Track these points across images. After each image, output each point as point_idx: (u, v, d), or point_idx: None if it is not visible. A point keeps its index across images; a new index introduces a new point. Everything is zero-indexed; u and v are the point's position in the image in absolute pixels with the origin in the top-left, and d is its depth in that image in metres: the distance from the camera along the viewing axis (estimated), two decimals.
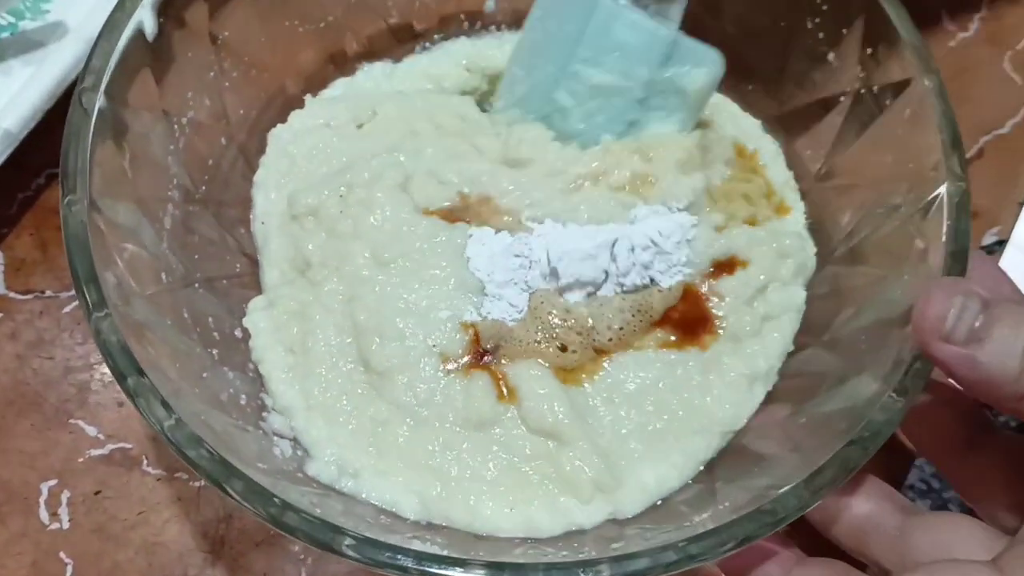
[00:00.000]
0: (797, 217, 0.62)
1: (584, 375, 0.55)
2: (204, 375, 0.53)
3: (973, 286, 0.45)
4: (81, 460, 0.62)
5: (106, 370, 0.63)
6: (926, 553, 0.45)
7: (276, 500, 0.43)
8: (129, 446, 0.62)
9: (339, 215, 0.58)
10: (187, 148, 0.58)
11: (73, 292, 0.65)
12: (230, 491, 0.43)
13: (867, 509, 0.47)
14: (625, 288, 0.56)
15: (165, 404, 0.45)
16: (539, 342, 0.55)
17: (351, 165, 0.61)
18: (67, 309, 0.67)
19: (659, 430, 0.53)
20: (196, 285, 0.57)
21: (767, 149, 0.64)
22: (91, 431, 0.63)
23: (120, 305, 0.48)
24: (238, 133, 0.63)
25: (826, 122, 0.60)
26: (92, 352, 0.65)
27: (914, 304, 0.45)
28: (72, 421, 0.63)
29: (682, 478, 0.53)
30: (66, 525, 0.60)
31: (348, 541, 0.42)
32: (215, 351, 0.55)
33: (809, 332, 0.57)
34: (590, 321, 0.55)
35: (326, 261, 0.58)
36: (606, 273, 0.56)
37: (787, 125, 0.64)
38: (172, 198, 0.57)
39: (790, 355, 0.57)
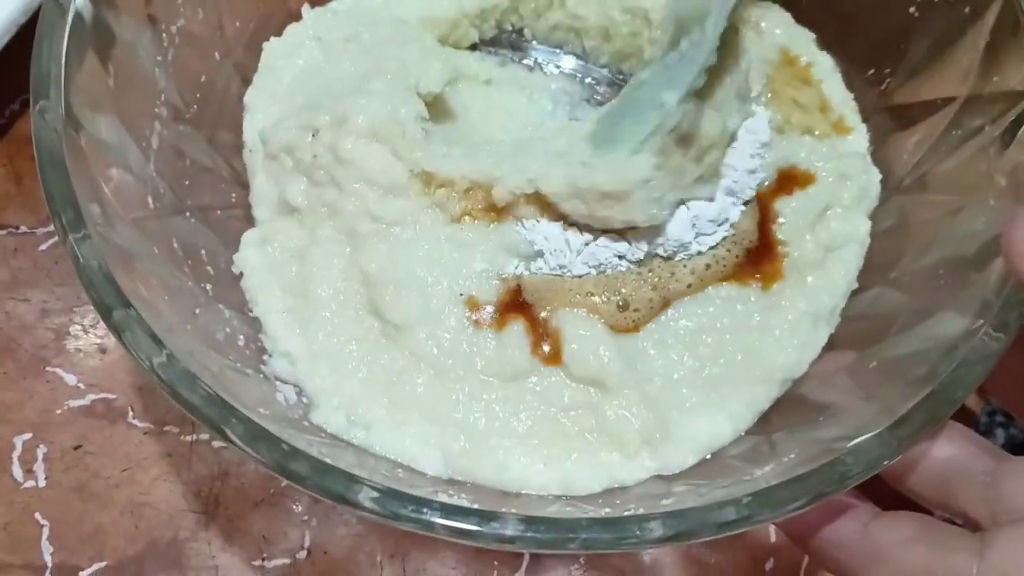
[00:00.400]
0: (859, 139, 0.56)
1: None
2: (197, 311, 0.47)
3: None
4: (59, 412, 0.56)
5: (87, 313, 0.58)
6: (1021, 504, 0.39)
7: (284, 445, 0.37)
8: (113, 396, 0.56)
9: (313, 160, 0.51)
10: (177, 61, 0.52)
11: (51, 228, 0.60)
12: (231, 435, 0.37)
13: (950, 453, 0.41)
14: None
15: (155, 338, 0.39)
16: (593, 294, 0.49)
17: (319, 98, 0.54)
18: (44, 247, 0.61)
19: (714, 376, 0.48)
20: (187, 214, 0.51)
21: (823, 64, 0.57)
22: (70, 380, 0.57)
23: (102, 228, 0.42)
24: (234, 48, 0.56)
25: (892, 34, 0.54)
26: (72, 294, 0.59)
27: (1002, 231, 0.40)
28: (49, 369, 0.57)
29: (736, 430, 0.48)
30: (42, 483, 0.54)
31: (367, 492, 0.36)
32: (209, 287, 0.49)
33: (873, 271, 0.52)
34: (671, 272, 0.50)
35: (315, 208, 0.52)
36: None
37: (846, 38, 0.57)
38: (160, 116, 0.51)
39: (852, 295, 0.52)
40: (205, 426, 0.38)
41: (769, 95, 0.55)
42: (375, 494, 0.36)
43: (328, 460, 0.40)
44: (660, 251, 0.51)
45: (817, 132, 0.55)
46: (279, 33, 0.59)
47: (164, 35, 0.51)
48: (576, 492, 0.46)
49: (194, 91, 0.54)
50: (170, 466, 0.55)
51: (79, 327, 0.58)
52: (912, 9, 0.52)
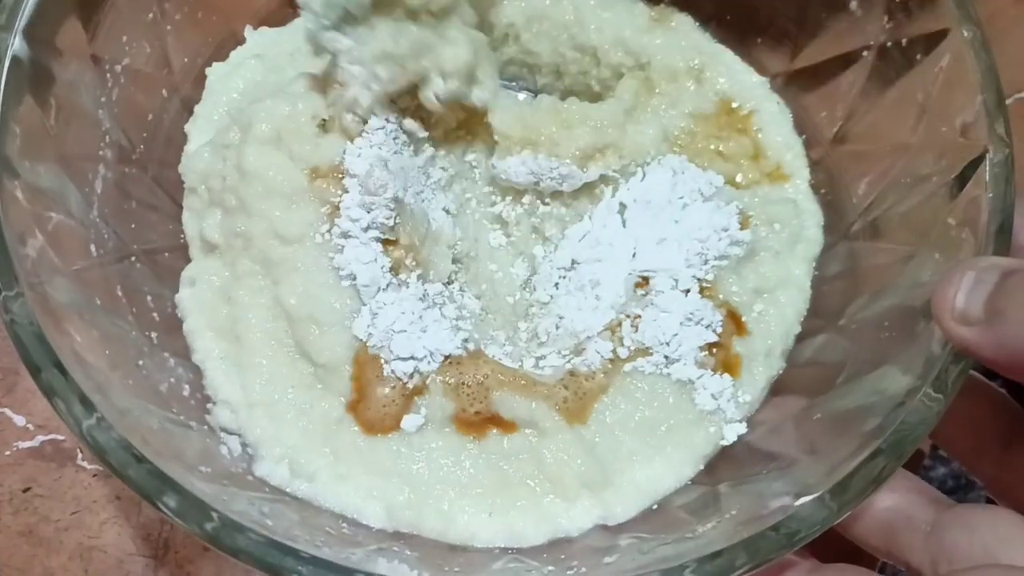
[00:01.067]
0: (798, 185, 0.55)
1: None
2: (140, 363, 0.46)
3: (999, 259, 0.40)
4: (8, 453, 0.56)
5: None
6: (964, 553, 0.39)
7: (214, 514, 0.37)
8: (61, 438, 0.56)
9: (223, 185, 0.50)
10: (122, 101, 0.51)
11: None
12: (162, 508, 0.37)
13: (894, 502, 0.41)
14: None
15: (84, 400, 0.38)
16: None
17: (237, 115, 0.52)
18: None
19: (648, 418, 0.48)
20: (132, 258, 0.50)
21: (768, 110, 0.57)
22: (19, 421, 0.56)
23: (38, 283, 0.41)
24: (182, 84, 0.56)
25: (845, 79, 0.54)
26: None
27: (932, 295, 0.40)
28: None
29: (680, 477, 0.48)
30: None
31: (301, 566, 0.36)
32: (154, 334, 0.48)
33: (821, 315, 0.52)
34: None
35: (230, 242, 0.50)
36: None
37: (800, 83, 0.57)
38: (104, 158, 0.50)
39: (800, 340, 0.52)
40: (136, 493, 0.37)
41: (685, 155, 0.54)
42: (308, 568, 0.36)
43: (270, 521, 0.40)
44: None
45: (741, 181, 0.55)
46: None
47: (108, 75, 0.50)
48: (521, 544, 0.45)
49: (140, 130, 0.53)
50: (119, 509, 0.54)
51: None
52: (865, 53, 0.52)
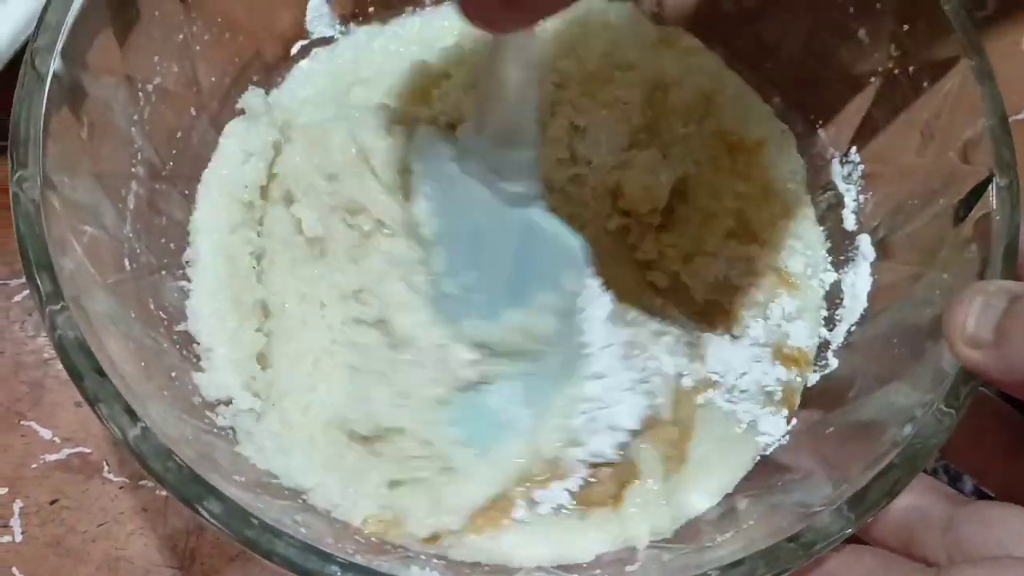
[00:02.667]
0: (806, 213, 0.58)
1: None
2: (173, 374, 0.47)
3: (1008, 283, 0.41)
4: (35, 466, 0.56)
5: (61, 367, 0.57)
6: (977, 547, 0.40)
7: (254, 520, 0.38)
8: (88, 450, 0.56)
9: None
10: (153, 119, 0.52)
11: (23, 279, 0.59)
12: (203, 513, 0.38)
13: (911, 502, 0.42)
14: None
15: (129, 410, 0.39)
16: None
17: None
18: (17, 298, 0.60)
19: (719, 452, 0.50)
20: (163, 272, 0.51)
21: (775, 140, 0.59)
22: (45, 434, 0.57)
23: (78, 296, 0.42)
24: (210, 102, 0.57)
25: (852, 105, 0.56)
26: (46, 346, 0.59)
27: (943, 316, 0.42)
28: (24, 423, 0.57)
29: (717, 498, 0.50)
30: (19, 538, 0.54)
31: (337, 570, 0.37)
32: (185, 348, 0.49)
33: None
34: None
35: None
36: None
37: (806, 107, 0.59)
38: (136, 175, 0.51)
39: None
40: (179, 501, 0.39)
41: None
42: (349, 574, 0.37)
43: (303, 529, 0.41)
44: None
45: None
46: (258, 83, 0.59)
47: (140, 93, 0.51)
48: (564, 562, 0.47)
49: (170, 147, 0.54)
50: (146, 520, 0.55)
51: (55, 380, 0.58)
52: (873, 79, 0.54)
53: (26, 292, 0.60)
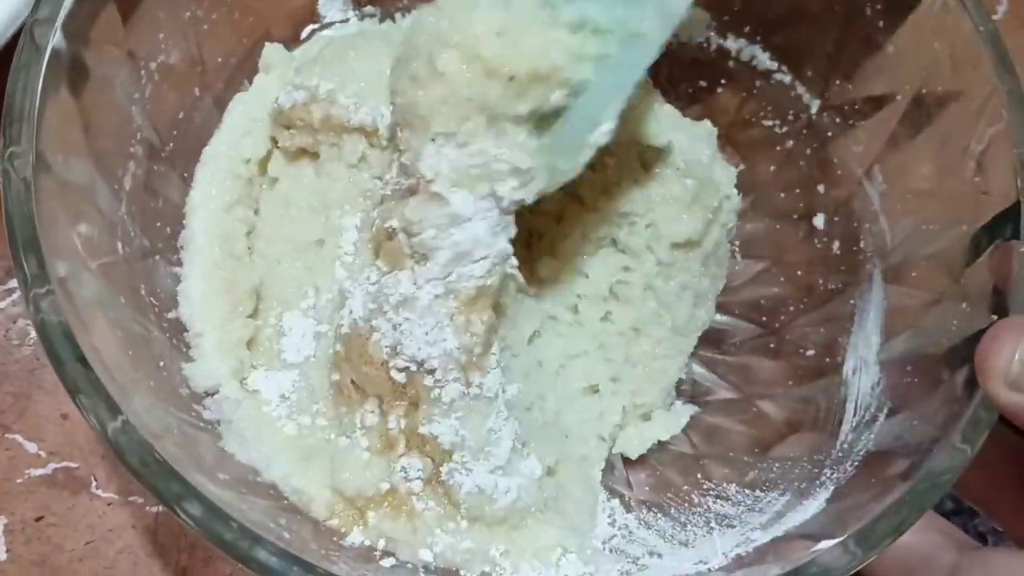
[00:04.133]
0: None
1: None
2: (161, 363, 0.46)
3: None
4: (20, 481, 0.54)
5: (48, 376, 0.56)
6: None
7: (233, 524, 0.37)
8: (75, 465, 0.54)
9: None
10: (155, 98, 0.51)
11: (9, 286, 0.59)
12: (182, 514, 0.36)
13: (915, 540, 0.41)
14: None
15: (110, 402, 0.38)
16: None
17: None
18: (1, 305, 0.59)
19: None
20: (156, 257, 0.50)
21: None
22: (31, 448, 0.55)
23: (65, 279, 0.41)
24: (214, 83, 0.55)
25: (876, 121, 0.54)
26: (31, 356, 0.57)
27: (978, 343, 0.40)
28: (9, 436, 0.55)
29: None
30: (3, 556, 0.52)
31: None
32: (174, 336, 0.48)
33: None
34: None
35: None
36: None
37: (830, 121, 0.57)
38: (135, 155, 0.50)
39: None
40: (156, 498, 0.37)
41: None
42: None
43: (285, 533, 0.40)
44: None
45: None
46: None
47: (143, 71, 0.50)
48: None
49: (171, 128, 0.52)
50: (135, 538, 0.53)
51: (40, 391, 0.56)
52: (899, 96, 0.52)
53: (10, 300, 0.58)
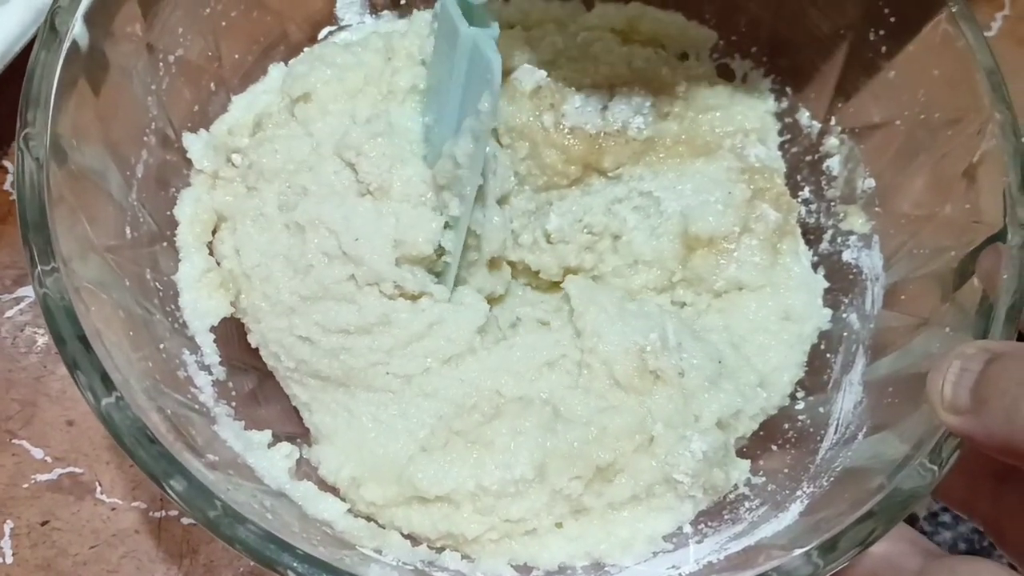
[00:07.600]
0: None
1: None
2: (161, 346, 0.47)
3: (985, 343, 0.40)
4: (26, 486, 0.55)
5: (53, 383, 0.57)
6: None
7: (218, 503, 0.38)
8: (80, 471, 0.55)
9: None
10: (171, 90, 0.53)
11: (16, 295, 0.60)
12: (169, 491, 0.38)
13: (884, 550, 0.41)
14: None
15: (106, 379, 0.39)
16: None
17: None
18: (9, 313, 0.60)
19: None
20: (164, 244, 0.51)
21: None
22: (37, 453, 0.56)
23: (71, 259, 0.42)
24: (230, 78, 0.57)
25: (874, 145, 0.55)
26: (38, 364, 0.58)
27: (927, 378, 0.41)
28: (15, 442, 0.56)
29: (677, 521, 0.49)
30: (9, 559, 0.53)
31: (296, 563, 0.37)
32: (177, 320, 0.50)
33: None
34: None
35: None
36: None
37: (829, 144, 0.58)
38: (148, 144, 0.51)
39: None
40: (145, 474, 0.38)
41: None
42: (304, 566, 0.37)
43: (269, 516, 0.41)
44: None
45: None
46: (280, 61, 0.59)
47: (161, 64, 0.52)
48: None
49: (185, 120, 0.54)
50: (138, 543, 0.54)
51: (46, 398, 0.57)
52: (897, 122, 0.53)
53: (18, 308, 0.60)
